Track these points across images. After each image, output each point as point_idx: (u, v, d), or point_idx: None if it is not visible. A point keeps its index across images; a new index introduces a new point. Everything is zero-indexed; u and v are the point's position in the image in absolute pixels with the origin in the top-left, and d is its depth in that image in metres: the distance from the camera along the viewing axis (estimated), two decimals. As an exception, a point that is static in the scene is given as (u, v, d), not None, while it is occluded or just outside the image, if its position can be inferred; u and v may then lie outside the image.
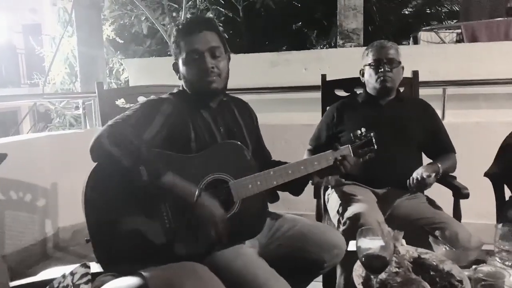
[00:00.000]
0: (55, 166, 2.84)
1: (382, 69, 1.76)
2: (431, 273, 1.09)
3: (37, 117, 6.43)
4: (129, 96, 1.85)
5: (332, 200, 1.84)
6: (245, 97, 1.61)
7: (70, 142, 3.08)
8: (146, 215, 1.18)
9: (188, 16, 5.91)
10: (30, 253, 2.66)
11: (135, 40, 7.16)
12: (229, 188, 1.28)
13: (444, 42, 6.13)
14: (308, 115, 2.62)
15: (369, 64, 1.81)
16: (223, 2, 7.28)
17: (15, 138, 3.16)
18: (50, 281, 0.85)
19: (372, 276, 1.01)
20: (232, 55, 1.48)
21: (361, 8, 4.42)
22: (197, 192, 1.18)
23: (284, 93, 3.47)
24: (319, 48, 8.73)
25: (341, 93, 2.14)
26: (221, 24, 7.19)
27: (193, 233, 1.21)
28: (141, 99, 1.81)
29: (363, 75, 1.90)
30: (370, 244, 0.99)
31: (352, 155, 1.44)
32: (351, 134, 1.47)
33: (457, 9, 9.33)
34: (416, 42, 6.43)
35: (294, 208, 2.15)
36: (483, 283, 0.94)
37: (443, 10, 10.08)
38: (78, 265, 0.87)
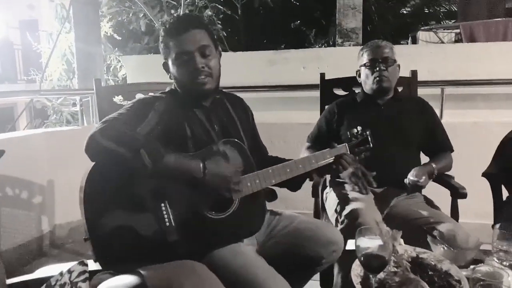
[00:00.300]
0: (52, 163, 2.82)
1: (377, 69, 1.77)
2: (430, 272, 1.09)
3: (33, 113, 6.39)
4: (127, 93, 1.85)
5: (330, 199, 1.84)
6: (242, 96, 1.60)
7: (67, 139, 3.06)
8: (145, 214, 1.18)
9: (187, 13, 5.89)
10: (26, 250, 2.65)
11: (133, 37, 7.14)
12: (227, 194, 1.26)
13: (442, 42, 6.14)
14: (307, 114, 2.62)
15: (365, 65, 1.82)
16: (221, -1, 7.27)
17: (12, 134, 3.14)
18: (47, 279, 0.84)
19: (371, 276, 1.01)
20: (230, 53, 1.48)
21: (360, 7, 4.42)
22: (201, 164, 1.18)
23: (282, 91, 3.46)
24: (317, 47, 8.74)
25: (339, 92, 2.14)
26: (219, 22, 7.18)
27: (196, 225, 1.20)
28: (140, 96, 1.80)
29: (359, 76, 1.90)
30: (369, 243, 0.99)
31: (349, 153, 1.44)
32: (348, 133, 1.47)
33: (455, 9, 9.35)
34: (414, 41, 6.45)
35: (292, 207, 2.14)
36: (481, 283, 0.93)
37: (441, 10, 10.12)
38: (75, 263, 0.87)
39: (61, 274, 0.84)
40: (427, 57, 3.25)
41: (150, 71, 3.82)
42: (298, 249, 1.34)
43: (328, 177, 1.97)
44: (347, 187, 1.82)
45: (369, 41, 1.87)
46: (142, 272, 0.96)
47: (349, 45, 4.46)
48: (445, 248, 1.21)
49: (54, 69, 5.53)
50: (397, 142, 1.78)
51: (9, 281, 0.95)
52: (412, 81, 2.06)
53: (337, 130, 1.87)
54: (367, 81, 1.83)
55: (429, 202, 1.76)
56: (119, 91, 1.85)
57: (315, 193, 1.78)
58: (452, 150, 1.85)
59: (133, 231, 1.16)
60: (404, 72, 1.93)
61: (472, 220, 2.02)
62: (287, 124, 3.08)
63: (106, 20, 6.24)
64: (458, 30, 5.44)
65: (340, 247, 1.36)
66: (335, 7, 4.76)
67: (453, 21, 8.92)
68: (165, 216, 1.19)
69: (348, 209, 1.63)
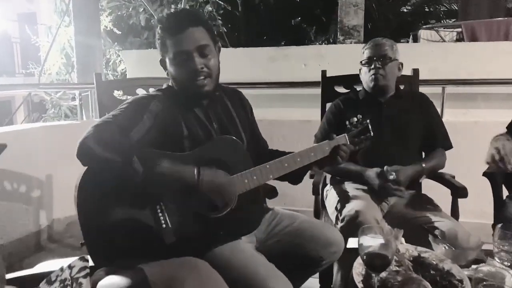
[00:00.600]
0: (51, 157, 2.81)
1: (373, 66, 1.77)
2: (431, 272, 1.08)
3: (31, 107, 6.37)
4: (127, 87, 1.84)
5: (331, 196, 1.84)
6: (242, 92, 1.58)
7: (66, 133, 3.04)
8: (141, 216, 1.16)
9: (188, 8, 5.86)
10: (24, 244, 2.64)
11: (133, 32, 7.11)
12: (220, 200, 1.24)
13: (444, 41, 6.13)
14: (307, 111, 2.61)
15: (363, 62, 1.82)
16: (222, -5, 7.24)
17: (10, 128, 3.12)
18: (47, 274, 0.84)
19: (373, 275, 1.00)
20: (231, 49, 1.45)
21: (362, 4, 4.41)
22: (195, 171, 1.15)
23: (282, 88, 3.45)
24: (317, 44, 8.72)
25: (341, 89, 2.13)
26: (219, 18, 7.15)
27: (195, 224, 1.19)
28: (140, 91, 1.79)
29: (361, 73, 1.89)
30: (372, 242, 0.98)
31: (349, 143, 1.40)
32: (347, 122, 1.44)
33: (456, 8, 9.35)
34: (416, 40, 6.44)
35: (292, 204, 2.15)
36: (484, 283, 0.93)
37: (441, 9, 10.10)
38: (76, 258, 0.86)
39: (61, 269, 0.83)
40: (428, 55, 3.25)
41: (150, 66, 3.79)
42: (299, 249, 1.34)
43: (328, 175, 1.97)
44: (347, 185, 1.82)
45: (372, 39, 1.86)
46: (144, 268, 0.95)
47: (351, 43, 4.45)
48: (447, 247, 1.20)
49: (53, 63, 5.50)
50: (398, 139, 1.78)
51: (9, 275, 0.94)
52: (413, 80, 2.05)
53: (344, 127, 1.86)
54: (365, 78, 1.83)
55: (429, 201, 1.75)
56: (119, 85, 1.84)
57: (315, 191, 1.78)
58: (450, 147, 1.84)
59: (130, 233, 1.14)
60: (405, 71, 1.92)
61: (472, 219, 2.02)
62: (287, 121, 3.07)
63: (106, 14, 6.21)
64: (459, 29, 5.42)
65: (341, 248, 1.36)
66: (336, 4, 4.75)
67: (453, 20, 8.92)
68: (161, 217, 1.17)
69: (348, 207, 1.63)
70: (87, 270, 0.87)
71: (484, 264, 1.11)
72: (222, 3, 7.34)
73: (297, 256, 1.35)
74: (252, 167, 1.29)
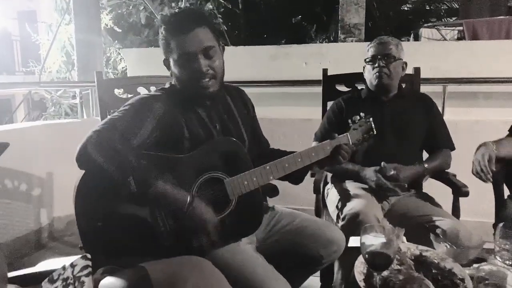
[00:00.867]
0: (51, 156, 2.81)
1: (377, 65, 1.76)
2: (433, 271, 1.08)
3: (31, 105, 6.37)
4: (128, 86, 1.84)
5: (332, 195, 1.83)
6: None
7: (67, 131, 3.04)
8: (139, 219, 1.16)
9: (188, 6, 5.85)
10: (24, 242, 2.64)
11: (133, 30, 7.10)
12: (225, 186, 1.24)
13: (445, 39, 6.12)
14: (307, 109, 2.61)
15: (367, 60, 1.82)
16: (222, -7, 7.23)
17: (10, 126, 3.12)
18: (49, 272, 0.83)
19: (375, 273, 1.00)
20: (231, 48, 1.44)
21: (363, 3, 4.40)
22: (188, 199, 1.14)
23: (283, 87, 3.45)
24: (318, 42, 8.71)
25: (342, 88, 2.13)
26: (220, 16, 7.14)
27: (188, 236, 1.19)
28: (141, 89, 1.79)
29: (365, 71, 1.89)
30: (374, 241, 0.98)
31: (351, 142, 1.39)
32: (349, 120, 1.43)
33: (457, 6, 9.33)
34: (416, 38, 6.43)
35: (293, 203, 2.14)
36: (486, 282, 0.93)
37: (442, 7, 10.08)
38: (78, 256, 0.86)
39: (63, 268, 0.83)
40: (430, 54, 3.24)
41: (150, 64, 3.80)
42: (299, 248, 1.34)
43: (329, 173, 1.97)
44: (348, 183, 1.82)
45: (377, 37, 1.85)
46: (146, 266, 0.95)
47: (352, 41, 4.44)
48: (448, 246, 1.20)
49: (54, 61, 5.50)
50: (400, 139, 1.78)
51: (11, 274, 0.94)
52: (414, 78, 2.05)
53: (345, 127, 1.85)
54: (369, 77, 1.83)
55: (430, 200, 1.75)
56: (120, 84, 1.84)
57: (316, 190, 1.77)
58: (452, 149, 1.84)
59: (129, 237, 1.15)
60: (407, 69, 1.92)
61: (473, 218, 2.02)
62: (288, 120, 3.07)
63: (106, 12, 6.20)
64: (461, 28, 5.41)
65: (341, 246, 1.36)
66: (336, 2, 4.74)
67: (454, 18, 8.90)
68: (160, 220, 1.17)
69: (349, 206, 1.62)
70: (89, 269, 0.87)
71: (485, 263, 1.11)
72: (223, 1, 7.33)
73: (297, 255, 1.34)
74: (252, 168, 1.28)
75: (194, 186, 1.22)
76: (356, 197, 1.67)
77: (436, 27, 6.52)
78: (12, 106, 10.31)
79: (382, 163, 1.65)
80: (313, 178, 1.78)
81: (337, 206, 1.72)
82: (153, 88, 1.73)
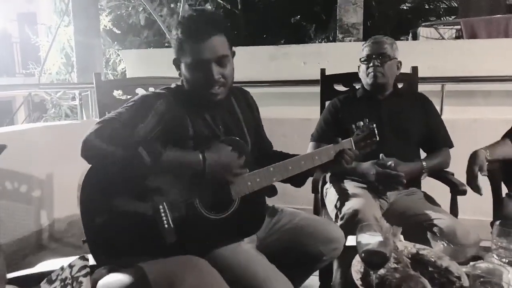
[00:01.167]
0: (51, 157, 2.82)
1: (372, 64, 1.77)
2: (430, 269, 1.09)
3: (32, 107, 6.38)
4: (127, 87, 1.84)
5: (330, 194, 1.84)
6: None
7: (67, 133, 3.05)
8: (144, 216, 1.16)
9: (187, 7, 5.84)
10: (25, 243, 2.65)
11: (132, 31, 7.11)
12: (228, 186, 1.25)
13: (443, 38, 6.12)
14: (307, 109, 2.61)
15: (362, 60, 1.83)
16: (222, -6, 7.24)
17: (11, 128, 3.13)
18: (48, 273, 0.84)
19: (371, 272, 1.01)
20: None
21: (361, 2, 4.41)
22: (200, 156, 1.16)
23: (282, 87, 3.45)
24: (317, 42, 8.71)
25: (340, 87, 2.14)
26: (219, 16, 7.13)
27: (195, 225, 1.19)
28: (140, 90, 1.80)
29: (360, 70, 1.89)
30: (370, 239, 0.99)
31: (354, 148, 1.40)
32: (353, 126, 1.44)
33: (456, 5, 9.32)
34: (415, 37, 6.43)
35: (292, 202, 2.15)
36: (481, 279, 0.94)
37: (441, 6, 10.08)
38: (76, 257, 0.86)
39: (62, 268, 0.84)
40: (428, 53, 3.24)
41: (150, 65, 3.83)
42: (299, 246, 1.34)
43: (328, 173, 1.97)
44: (347, 183, 1.82)
45: (372, 36, 1.86)
46: (144, 266, 0.95)
47: (350, 41, 4.45)
48: (445, 244, 1.21)
49: (53, 63, 5.51)
50: (397, 137, 1.78)
51: (10, 275, 0.95)
52: (412, 77, 2.05)
53: (342, 126, 1.86)
54: (364, 76, 1.84)
55: (429, 199, 1.76)
56: (119, 85, 1.84)
57: (315, 189, 1.78)
58: (451, 146, 1.85)
59: (131, 232, 1.15)
60: (405, 69, 1.93)
61: (471, 216, 2.03)
62: (287, 119, 3.08)
63: (105, 14, 6.21)
64: (459, 27, 5.41)
65: (341, 244, 1.36)
66: (336, 2, 4.75)
67: (453, 17, 8.90)
68: (164, 217, 1.18)
69: (347, 205, 1.63)
70: (87, 269, 0.87)
71: (482, 261, 1.12)
72: (222, 1, 7.34)
73: (298, 253, 1.35)
74: (255, 169, 1.29)
75: (200, 155, 1.21)
76: (354, 196, 1.68)
77: (434, 26, 6.52)
78: (13, 108, 10.31)
79: (381, 155, 1.65)
80: (312, 178, 1.79)
81: (335, 206, 1.73)
82: (151, 89, 1.73)
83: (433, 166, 1.76)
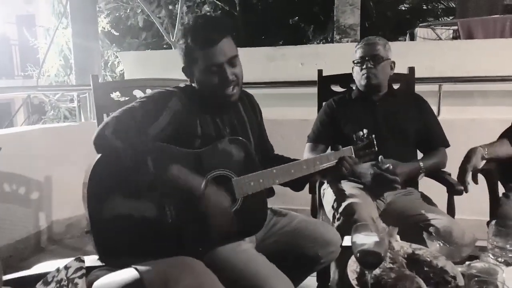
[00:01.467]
0: (50, 159, 2.82)
1: (365, 66, 1.78)
2: (425, 269, 1.10)
3: (31, 109, 6.38)
4: (124, 89, 1.84)
5: (327, 195, 1.84)
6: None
7: (65, 135, 3.06)
8: (148, 208, 1.18)
9: (186, 8, 5.86)
10: (23, 246, 2.65)
11: (131, 33, 7.13)
12: (232, 185, 1.27)
13: (440, 39, 6.14)
14: (304, 110, 2.62)
15: (355, 62, 1.83)
16: (220, -5, 7.25)
17: (9, 130, 3.13)
18: (44, 275, 0.84)
19: (366, 272, 1.01)
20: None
21: (358, 3, 4.42)
22: (203, 184, 1.17)
23: (280, 88, 3.46)
24: (315, 43, 8.72)
25: (337, 88, 2.14)
26: (217, 18, 7.14)
27: (196, 227, 1.21)
28: (137, 92, 1.80)
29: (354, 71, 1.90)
30: (365, 240, 0.99)
31: (354, 156, 1.45)
32: (353, 136, 1.48)
33: (453, 5, 9.35)
34: (412, 38, 6.45)
35: (289, 203, 2.15)
36: (476, 279, 0.94)
37: (439, 7, 10.10)
38: (72, 259, 0.87)
39: (57, 270, 0.84)
40: (425, 53, 3.26)
41: (148, 67, 3.83)
42: (297, 249, 1.35)
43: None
44: (344, 183, 1.83)
45: (364, 38, 1.87)
46: (138, 267, 0.96)
47: (347, 42, 4.46)
48: (441, 244, 1.21)
49: (52, 65, 5.51)
50: (393, 138, 1.78)
51: (6, 277, 0.95)
52: (409, 78, 2.06)
53: (337, 127, 1.87)
54: (357, 78, 1.84)
55: (425, 199, 1.76)
56: (116, 87, 1.84)
57: (312, 190, 1.79)
58: (447, 146, 1.85)
59: (135, 226, 1.16)
60: (402, 69, 1.93)
61: (468, 216, 2.03)
62: (285, 120, 3.08)
63: (104, 16, 6.23)
64: (456, 27, 5.43)
65: (338, 247, 1.38)
66: (334, 3, 4.76)
67: (451, 17, 8.92)
68: (168, 212, 1.19)
69: (344, 205, 1.63)
70: (83, 271, 0.88)
71: (477, 260, 1.12)
72: (220, 3, 7.35)
73: (295, 256, 1.36)
74: (259, 170, 1.32)
75: (203, 181, 1.23)
76: (351, 197, 1.68)
77: (431, 26, 6.54)
78: (12, 110, 10.32)
79: (380, 157, 1.66)
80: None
81: (332, 206, 1.73)
82: (149, 91, 1.73)
83: (430, 166, 1.76)
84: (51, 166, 2.82)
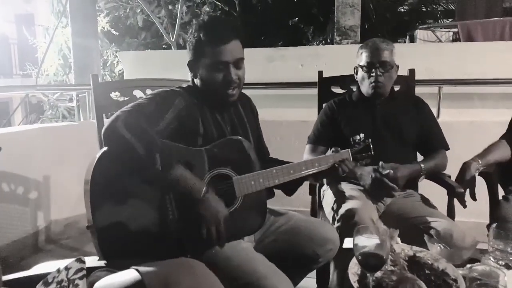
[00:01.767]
0: (48, 159, 2.81)
1: (374, 74, 1.74)
2: (426, 271, 1.09)
3: (29, 108, 6.36)
4: (124, 89, 1.83)
5: (327, 196, 1.84)
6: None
7: (64, 134, 3.05)
8: (150, 205, 1.19)
9: (185, 8, 5.85)
10: (21, 245, 2.64)
11: (130, 33, 7.11)
12: (232, 184, 1.29)
13: (440, 41, 6.15)
14: (304, 111, 2.62)
15: (362, 66, 1.79)
16: (219, -5, 7.25)
17: (7, 129, 3.12)
18: (44, 276, 0.84)
19: (368, 274, 1.01)
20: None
21: (359, 5, 4.42)
22: (204, 189, 1.18)
23: (280, 89, 3.46)
24: (315, 44, 8.72)
25: (337, 90, 2.14)
26: (217, 18, 7.14)
27: (195, 227, 1.21)
28: (137, 92, 1.79)
29: (357, 73, 1.87)
30: (367, 242, 0.99)
31: (351, 159, 1.46)
32: (351, 139, 1.49)
33: (453, 7, 9.37)
34: (412, 40, 6.46)
35: (289, 204, 2.14)
36: (478, 282, 0.94)
37: (439, 9, 10.11)
38: (73, 259, 0.86)
39: (58, 271, 0.83)
40: (425, 55, 3.26)
41: (147, 67, 3.83)
42: (295, 247, 1.36)
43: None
44: (344, 185, 1.83)
45: (370, 39, 1.83)
46: (139, 269, 0.96)
47: (347, 43, 4.46)
48: (442, 247, 1.21)
49: (51, 64, 5.50)
50: (393, 140, 1.78)
51: (6, 277, 0.95)
52: (409, 80, 2.06)
53: (338, 129, 1.86)
54: (363, 83, 1.81)
55: (425, 201, 1.76)
56: (116, 87, 1.84)
57: (312, 191, 1.78)
58: (447, 149, 1.85)
59: (137, 222, 1.16)
60: (402, 71, 1.93)
61: (468, 219, 2.03)
62: (284, 122, 3.08)
63: (103, 15, 6.21)
64: (456, 29, 5.45)
65: (336, 245, 1.38)
66: (333, 4, 4.76)
67: (450, 19, 8.94)
68: (169, 208, 1.20)
69: (344, 207, 1.63)
70: (84, 272, 0.87)
71: (478, 263, 1.12)
72: (220, 3, 7.35)
73: (293, 254, 1.36)
74: (259, 169, 1.34)
75: (205, 179, 1.27)
76: (351, 198, 1.68)
77: (431, 28, 6.55)
78: (10, 109, 10.29)
79: (381, 163, 1.66)
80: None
81: (332, 208, 1.73)
82: (149, 91, 1.73)
83: (430, 168, 1.76)
84: (50, 166, 2.81)
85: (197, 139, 1.31)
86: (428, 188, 1.87)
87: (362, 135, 1.48)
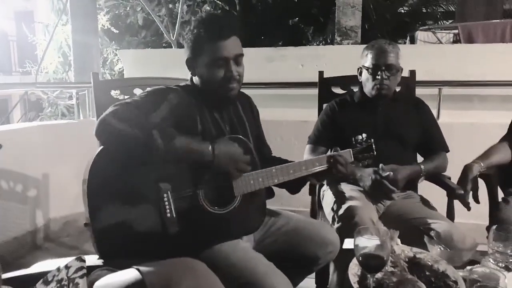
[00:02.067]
0: (47, 156, 2.80)
1: (379, 77, 1.73)
2: (426, 273, 1.09)
3: (28, 106, 6.35)
4: (124, 87, 1.83)
5: (327, 197, 1.84)
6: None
7: (63, 132, 3.04)
8: (147, 204, 1.18)
9: (186, 7, 5.85)
10: (20, 243, 2.64)
11: (130, 31, 7.11)
12: (231, 182, 1.28)
13: (441, 42, 6.15)
14: (304, 111, 2.62)
15: (367, 68, 1.78)
16: (220, -6, 7.25)
17: (6, 127, 3.12)
18: (44, 274, 0.84)
19: (368, 275, 1.01)
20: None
21: (360, 5, 4.42)
22: (210, 147, 1.19)
23: (280, 89, 3.46)
24: (315, 44, 8.72)
25: (338, 90, 2.14)
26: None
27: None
28: (137, 90, 1.79)
29: (360, 74, 1.86)
30: (368, 243, 0.99)
31: (353, 159, 1.46)
32: (353, 139, 1.49)
33: (453, 9, 9.37)
34: (413, 41, 6.46)
35: (288, 204, 2.15)
36: (478, 284, 0.94)
37: (439, 10, 10.12)
38: (73, 258, 0.86)
39: (58, 269, 0.83)
40: (425, 57, 3.25)
41: (147, 65, 3.82)
42: (295, 249, 1.36)
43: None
44: (344, 185, 1.83)
45: (376, 40, 1.81)
46: (140, 268, 0.95)
47: (348, 44, 4.46)
48: (442, 248, 1.21)
49: (50, 62, 5.49)
50: (394, 141, 1.78)
51: (5, 275, 0.94)
52: (410, 81, 2.06)
53: (339, 129, 1.86)
54: (367, 85, 1.80)
55: (425, 202, 1.76)
56: (117, 85, 1.84)
57: (312, 191, 1.78)
58: (447, 151, 1.85)
59: (135, 220, 1.16)
60: (403, 72, 1.92)
61: (467, 220, 2.03)
62: (284, 122, 3.08)
63: (103, 13, 6.20)
64: (456, 31, 5.46)
65: (337, 247, 1.38)
66: (334, 5, 4.76)
67: (450, 21, 8.95)
68: (167, 206, 1.19)
69: (344, 207, 1.63)
70: (84, 270, 0.87)
71: (478, 265, 1.12)
72: (220, 3, 7.35)
73: (293, 256, 1.36)
74: (258, 169, 1.33)
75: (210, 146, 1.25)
76: (351, 199, 1.68)
77: (432, 30, 6.55)
78: (9, 107, 10.27)
79: (381, 165, 1.66)
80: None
81: (332, 208, 1.73)
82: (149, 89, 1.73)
83: (430, 169, 1.76)
84: (49, 164, 2.81)
85: (195, 138, 1.28)
86: (427, 189, 1.87)
87: (364, 135, 1.48)
